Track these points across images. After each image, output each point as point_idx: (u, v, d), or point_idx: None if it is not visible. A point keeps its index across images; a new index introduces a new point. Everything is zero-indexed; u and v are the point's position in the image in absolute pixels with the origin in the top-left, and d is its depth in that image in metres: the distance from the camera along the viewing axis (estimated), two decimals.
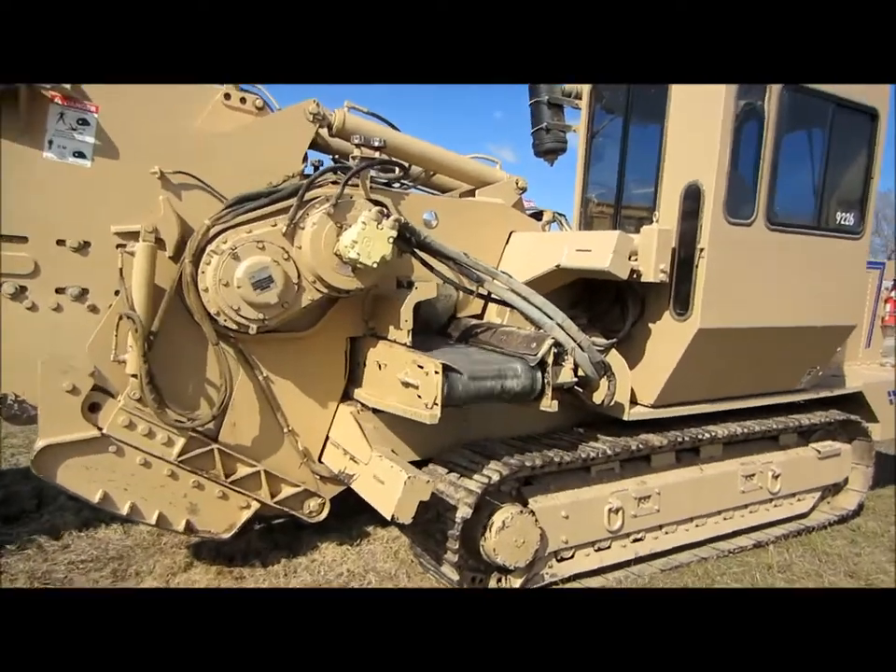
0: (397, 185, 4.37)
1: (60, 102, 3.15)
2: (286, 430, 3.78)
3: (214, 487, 3.59)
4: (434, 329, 4.27)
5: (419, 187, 4.64)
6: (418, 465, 3.94)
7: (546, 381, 3.53)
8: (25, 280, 3.19)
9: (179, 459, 3.47)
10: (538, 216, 5.05)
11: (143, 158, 3.32)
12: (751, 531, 4.82)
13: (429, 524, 3.62)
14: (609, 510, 4.05)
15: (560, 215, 5.02)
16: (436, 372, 3.17)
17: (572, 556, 4.00)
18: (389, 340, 3.69)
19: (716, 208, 3.76)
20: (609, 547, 4.14)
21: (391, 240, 3.29)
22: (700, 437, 4.43)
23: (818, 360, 4.75)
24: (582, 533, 3.98)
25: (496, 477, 3.56)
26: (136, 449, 3.38)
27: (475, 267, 3.66)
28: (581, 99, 4.66)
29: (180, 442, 3.46)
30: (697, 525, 4.55)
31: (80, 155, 3.23)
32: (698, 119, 3.80)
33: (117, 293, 3.32)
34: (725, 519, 4.71)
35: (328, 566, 3.97)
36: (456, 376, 3.26)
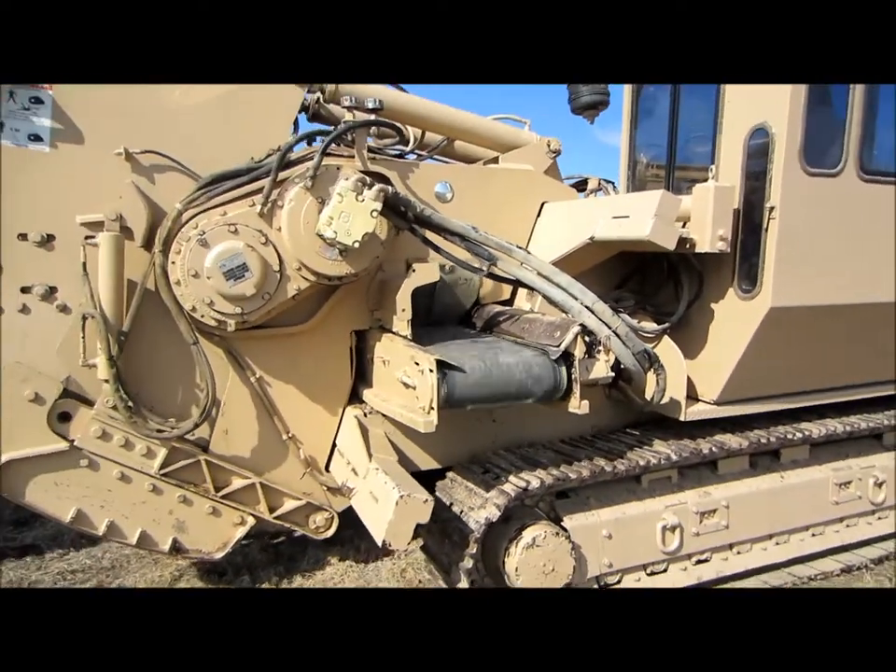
0: (412, 156, 3.87)
1: None
2: (285, 437, 3.37)
3: (204, 502, 3.23)
4: (455, 319, 3.75)
5: (437, 157, 4.08)
6: (439, 474, 3.47)
7: (573, 377, 2.93)
8: None
9: (161, 472, 3.12)
10: (582, 184, 4.39)
11: (108, 137, 2.96)
12: (844, 550, 4.00)
13: (448, 523, 3.11)
14: (664, 527, 3.40)
15: (607, 182, 4.33)
16: (430, 370, 2.65)
17: (619, 582, 3.39)
18: (393, 332, 3.20)
19: (790, 156, 3.01)
20: (665, 570, 3.49)
21: (375, 213, 2.77)
22: (790, 436, 3.68)
23: None
24: (630, 555, 3.36)
25: (535, 483, 3.00)
26: (112, 462, 3.06)
27: (486, 243, 3.08)
28: None
29: (162, 454, 3.11)
30: (777, 544, 3.80)
31: (37, 139, 2.91)
32: None
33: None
34: (814, 535, 3.92)
35: (322, 583, 3.62)
36: (458, 375, 2.72)
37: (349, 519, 3.55)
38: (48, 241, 2.96)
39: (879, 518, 4.15)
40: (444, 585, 3.25)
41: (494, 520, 2.87)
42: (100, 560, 3.83)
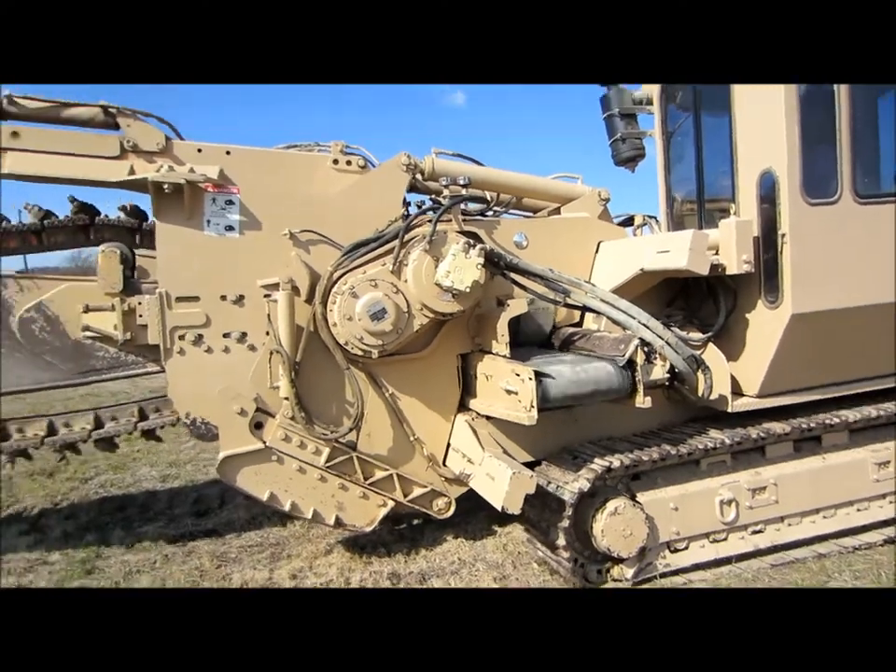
0: (490, 213, 4.88)
1: (211, 189, 4.03)
2: (412, 438, 4.35)
3: (356, 489, 4.25)
4: (538, 341, 4.67)
5: (511, 211, 5.10)
6: (532, 465, 4.34)
7: (637, 379, 3.80)
8: (200, 329, 4.06)
9: (327, 465, 4.16)
10: (629, 221, 5.30)
11: (276, 223, 4.10)
12: (889, 524, 4.58)
13: (547, 496, 3.95)
14: (721, 501, 4.16)
15: (650, 217, 5.22)
16: (529, 379, 3.59)
17: (686, 547, 4.15)
18: (493, 353, 4.16)
19: (792, 192, 3.83)
20: (725, 539, 4.23)
21: (479, 266, 3.79)
22: (829, 422, 4.39)
23: None
24: (694, 524, 4.13)
25: (617, 463, 3.87)
26: (292, 457, 4.12)
27: (560, 280, 4.04)
28: (651, 104, 4.88)
29: (326, 451, 4.16)
30: (825, 517, 4.46)
31: (230, 228, 4.08)
32: (763, 106, 3.91)
33: (267, 333, 4.10)
34: (859, 510, 4.55)
35: (442, 555, 4.50)
36: (549, 381, 3.66)
37: (458, 507, 4.49)
38: (240, 300, 4.11)
39: None
40: (542, 548, 4.13)
41: (585, 490, 3.73)
42: (267, 538, 4.94)
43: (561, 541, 3.84)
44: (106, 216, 4.75)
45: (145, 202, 5.06)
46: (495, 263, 4.01)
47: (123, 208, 5.35)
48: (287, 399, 4.00)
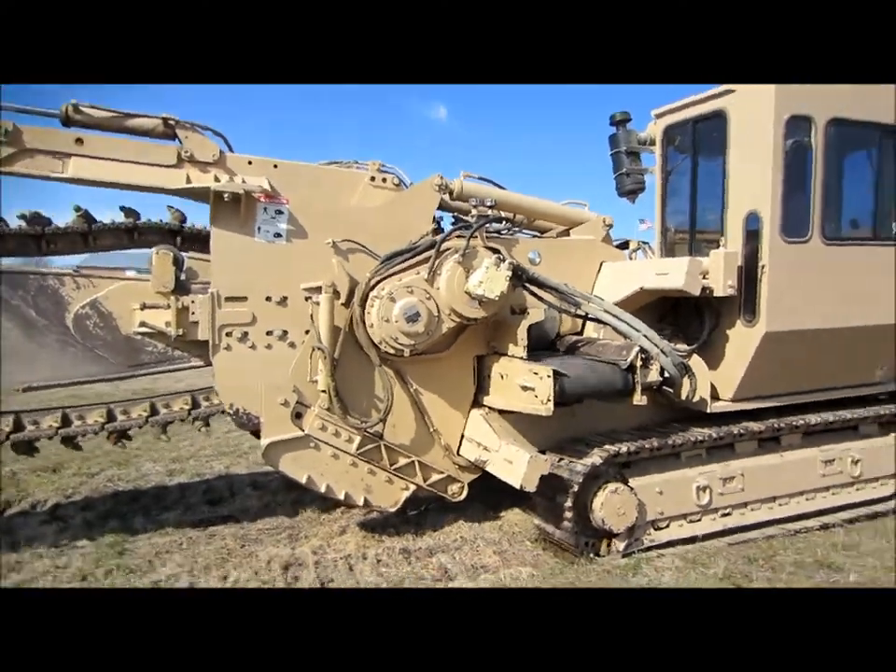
0: (505, 231, 5.43)
1: (264, 199, 4.43)
2: (432, 430, 4.85)
3: (382, 474, 4.72)
4: (543, 346, 5.25)
5: (523, 231, 5.67)
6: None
7: (636, 380, 4.42)
8: (246, 328, 4.46)
9: (357, 452, 4.62)
10: (624, 245, 5.94)
11: (318, 232, 4.53)
12: (830, 512, 5.33)
13: (558, 469, 4.51)
14: (697, 487, 4.83)
15: (644, 243, 5.89)
16: (548, 376, 4.16)
17: (668, 526, 4.81)
18: (508, 355, 4.70)
19: (773, 232, 4.55)
20: (699, 520, 4.91)
21: (507, 278, 4.33)
22: (795, 424, 5.14)
23: (887, 356, 5.31)
24: (675, 506, 4.79)
25: (624, 449, 4.50)
26: (328, 445, 4.57)
27: (573, 294, 4.63)
28: (654, 144, 5.54)
29: (357, 440, 4.62)
30: (781, 504, 5.20)
31: (278, 236, 4.49)
32: (752, 159, 4.61)
33: (307, 332, 4.53)
34: (808, 500, 5.31)
35: (445, 534, 5.02)
36: (564, 378, 4.23)
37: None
38: (283, 301, 4.53)
39: (857, 489, 5.54)
40: (540, 521, 4.73)
41: (598, 464, 4.33)
42: (282, 522, 5.30)
43: (569, 503, 4.38)
44: (149, 219, 5.04)
45: (186, 207, 5.39)
46: (518, 276, 4.56)
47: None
48: (324, 391, 4.43)
